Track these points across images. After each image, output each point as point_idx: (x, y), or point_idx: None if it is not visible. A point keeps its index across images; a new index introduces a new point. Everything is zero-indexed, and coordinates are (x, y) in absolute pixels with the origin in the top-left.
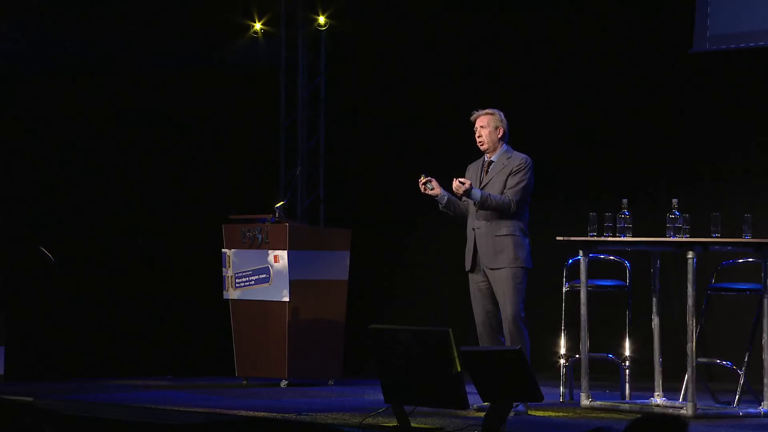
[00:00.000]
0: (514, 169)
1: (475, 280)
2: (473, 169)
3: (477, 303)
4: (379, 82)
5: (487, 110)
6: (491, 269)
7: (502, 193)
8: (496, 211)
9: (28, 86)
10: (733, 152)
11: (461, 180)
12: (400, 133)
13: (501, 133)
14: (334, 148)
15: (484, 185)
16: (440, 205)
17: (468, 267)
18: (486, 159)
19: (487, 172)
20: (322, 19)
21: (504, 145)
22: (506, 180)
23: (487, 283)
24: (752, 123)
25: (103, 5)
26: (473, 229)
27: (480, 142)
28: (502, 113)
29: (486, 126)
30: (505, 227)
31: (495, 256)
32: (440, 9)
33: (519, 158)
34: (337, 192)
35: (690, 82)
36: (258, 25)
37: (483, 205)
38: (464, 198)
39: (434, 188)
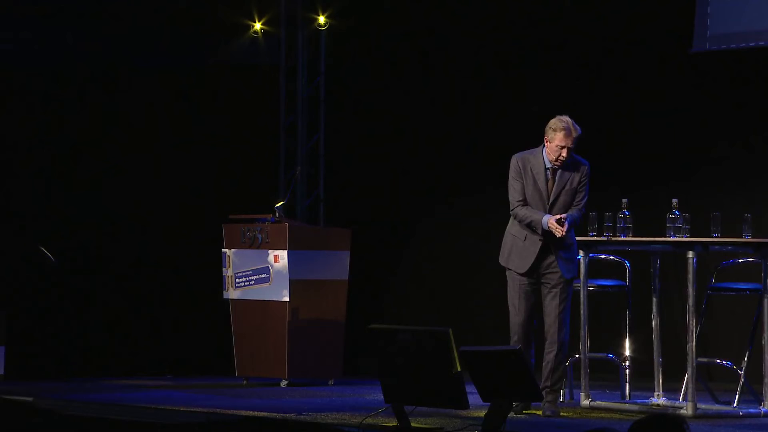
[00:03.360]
0: (582, 180)
1: (522, 281)
2: (531, 166)
3: (521, 302)
4: (379, 81)
5: (579, 131)
6: (565, 280)
7: (571, 203)
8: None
9: (26, 85)
10: (733, 152)
11: (560, 220)
12: (400, 134)
13: None
14: (334, 148)
15: (554, 199)
16: (539, 231)
17: (522, 270)
18: (549, 166)
19: (554, 181)
20: (322, 19)
21: None
22: (575, 193)
23: (538, 284)
24: (752, 123)
25: (102, 5)
26: (540, 240)
27: (560, 162)
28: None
29: (573, 148)
30: (570, 236)
31: (571, 267)
32: (440, 8)
33: (583, 168)
34: (337, 192)
35: (690, 82)
36: (258, 25)
37: (570, 229)
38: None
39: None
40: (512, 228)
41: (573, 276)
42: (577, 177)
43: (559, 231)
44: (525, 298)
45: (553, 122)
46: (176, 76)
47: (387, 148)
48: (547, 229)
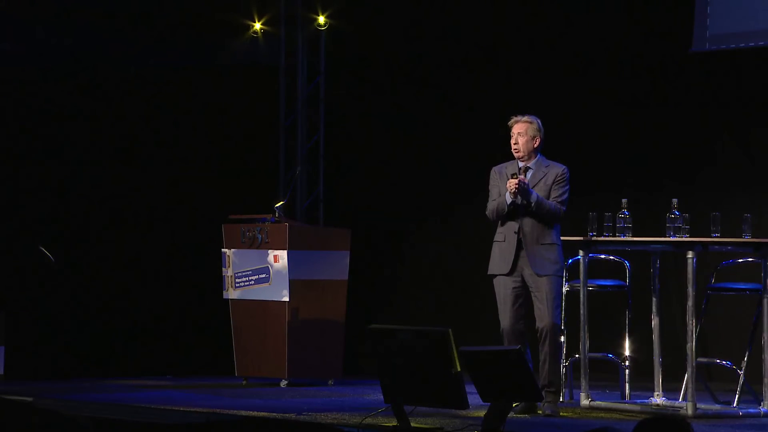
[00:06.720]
0: (557, 179)
1: (506, 284)
2: (505, 170)
3: (506, 306)
4: (378, 82)
5: (526, 117)
6: (538, 276)
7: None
8: (547, 216)
9: (26, 86)
10: (733, 152)
11: (520, 178)
12: (400, 133)
13: (537, 143)
14: (334, 148)
15: None
16: (506, 208)
17: (505, 271)
18: (521, 165)
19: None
20: (322, 19)
21: (539, 154)
22: (549, 189)
23: (523, 288)
24: (752, 123)
25: (103, 4)
26: (515, 233)
27: (516, 149)
28: (539, 121)
29: (524, 134)
30: (549, 236)
31: (543, 264)
32: (440, 8)
33: (559, 168)
34: (337, 192)
35: (690, 82)
36: (258, 25)
37: (539, 207)
38: (513, 198)
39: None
40: (496, 236)
41: (546, 273)
42: (551, 177)
43: (512, 185)
44: (511, 301)
45: None
46: (176, 76)
47: (387, 148)
48: (511, 197)
